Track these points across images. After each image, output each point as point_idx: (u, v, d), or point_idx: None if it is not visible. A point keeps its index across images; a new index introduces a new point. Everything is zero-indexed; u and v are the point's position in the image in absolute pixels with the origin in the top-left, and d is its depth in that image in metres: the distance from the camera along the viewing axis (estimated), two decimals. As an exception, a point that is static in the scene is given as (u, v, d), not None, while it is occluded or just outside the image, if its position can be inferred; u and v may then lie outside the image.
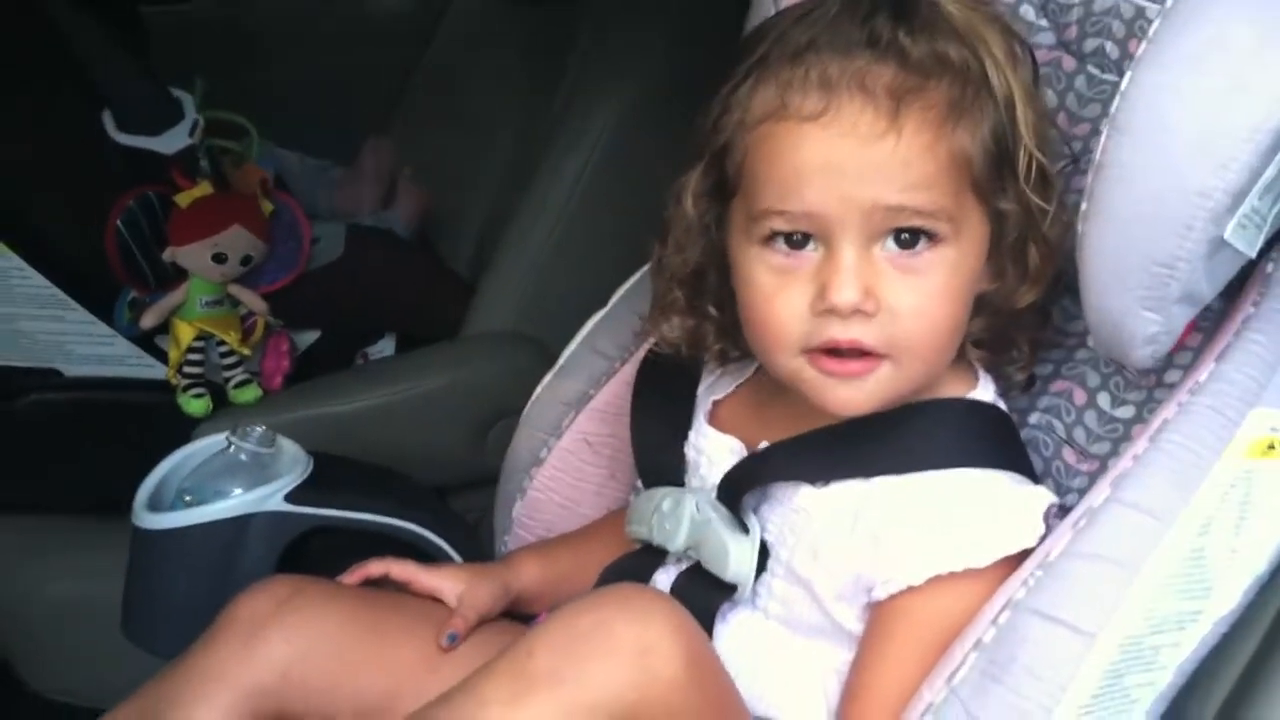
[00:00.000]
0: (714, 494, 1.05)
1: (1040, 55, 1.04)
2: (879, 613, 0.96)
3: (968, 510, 0.95)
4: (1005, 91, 0.93)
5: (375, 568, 1.17)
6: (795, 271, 0.94)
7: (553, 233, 1.75)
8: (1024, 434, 1.06)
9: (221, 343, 1.67)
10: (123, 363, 1.68)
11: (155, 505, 1.26)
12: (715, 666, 0.97)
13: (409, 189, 2.08)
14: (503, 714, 0.87)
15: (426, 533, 1.32)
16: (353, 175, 2.19)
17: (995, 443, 0.99)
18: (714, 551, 1.03)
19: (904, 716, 0.91)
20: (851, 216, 0.90)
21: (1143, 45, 0.86)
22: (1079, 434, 1.05)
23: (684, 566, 1.07)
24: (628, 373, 1.22)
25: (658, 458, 1.12)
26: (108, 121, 1.60)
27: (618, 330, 1.26)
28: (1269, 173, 0.84)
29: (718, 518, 1.03)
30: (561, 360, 1.29)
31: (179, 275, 1.66)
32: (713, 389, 1.12)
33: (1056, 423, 1.07)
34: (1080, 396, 1.06)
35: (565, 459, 1.27)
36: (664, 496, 1.08)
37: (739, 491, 1.03)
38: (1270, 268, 0.97)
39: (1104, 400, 1.05)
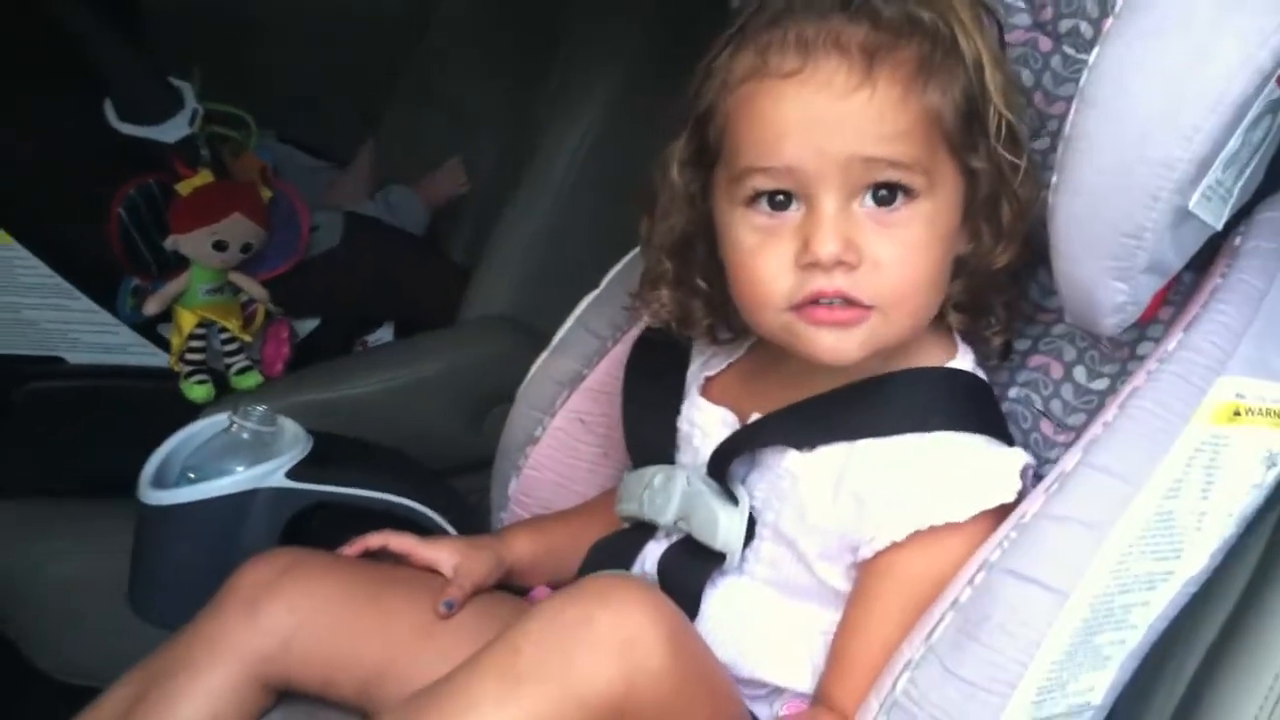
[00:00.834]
0: (704, 469, 1.07)
1: (1017, 36, 1.07)
2: (864, 572, 0.99)
3: (947, 469, 0.97)
4: (974, 54, 0.97)
5: (374, 540, 1.19)
6: (778, 230, 0.96)
7: (547, 218, 1.77)
8: (1004, 407, 1.09)
9: (223, 330, 1.70)
10: (126, 350, 1.71)
11: (160, 482, 1.28)
12: (699, 650, 0.99)
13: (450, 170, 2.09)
14: (494, 713, 0.89)
15: (424, 509, 1.34)
16: (345, 179, 2.22)
17: (973, 407, 1.02)
18: (704, 521, 1.06)
19: (884, 673, 0.93)
20: (830, 170, 0.93)
21: (1110, 21, 0.88)
22: (1056, 407, 1.08)
23: (674, 539, 1.10)
24: (620, 352, 1.24)
25: (648, 435, 1.15)
26: (109, 111, 1.62)
27: (610, 309, 1.28)
28: (1232, 144, 0.86)
29: (707, 490, 1.06)
30: (555, 340, 1.31)
31: (180, 263, 1.69)
32: (705, 366, 1.15)
33: (1034, 396, 1.09)
34: (1057, 370, 1.08)
35: (559, 437, 1.29)
36: (655, 473, 1.11)
37: (728, 460, 1.05)
38: (1238, 240, 0.99)
39: (1080, 374, 1.07)
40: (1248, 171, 0.92)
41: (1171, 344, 0.94)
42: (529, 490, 1.31)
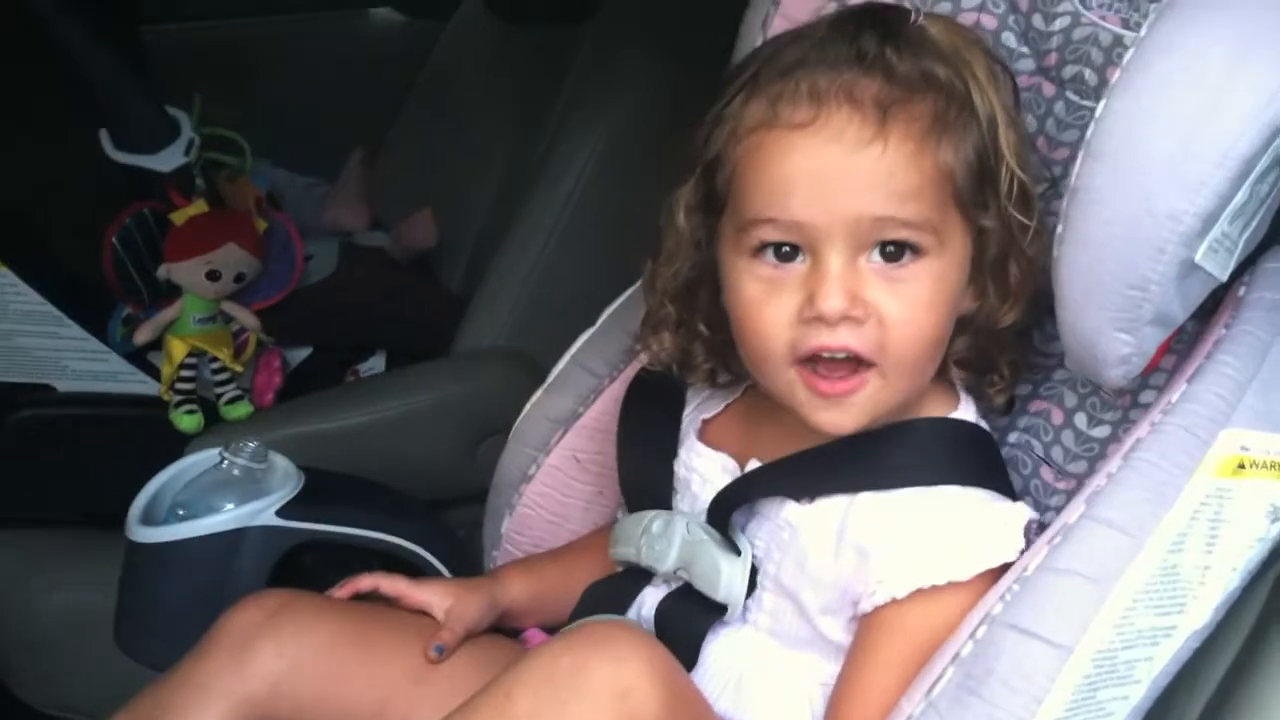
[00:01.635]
0: (704, 516, 1.06)
1: (1021, 81, 1.06)
2: (864, 626, 0.97)
3: (950, 525, 0.96)
4: (988, 111, 0.96)
5: (365, 582, 1.18)
6: (783, 282, 0.95)
7: (544, 251, 1.76)
8: (1003, 453, 1.08)
9: (214, 359, 1.68)
10: (116, 378, 1.70)
11: (149, 519, 1.27)
12: (695, 700, 0.98)
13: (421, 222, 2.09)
14: None
15: (416, 548, 1.34)
16: (338, 192, 2.21)
17: (977, 460, 1.01)
18: (705, 572, 1.04)
19: (884, 728, 0.92)
20: (837, 227, 0.92)
21: (1118, 72, 0.88)
22: (1056, 453, 1.07)
23: (672, 587, 1.08)
24: (616, 390, 1.23)
25: (645, 479, 1.13)
26: (104, 140, 1.62)
27: (607, 348, 1.27)
28: (1239, 197, 0.85)
29: (709, 539, 1.05)
30: (551, 377, 1.30)
31: (172, 291, 1.68)
32: (702, 408, 1.14)
33: (1035, 442, 1.08)
34: (1058, 416, 1.07)
35: (554, 475, 1.28)
36: (653, 518, 1.09)
37: (729, 509, 1.04)
38: (1242, 291, 0.98)
39: (1081, 420, 1.06)
40: (1254, 223, 0.91)
41: (1175, 395, 0.93)
42: (522, 528, 1.30)
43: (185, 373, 1.67)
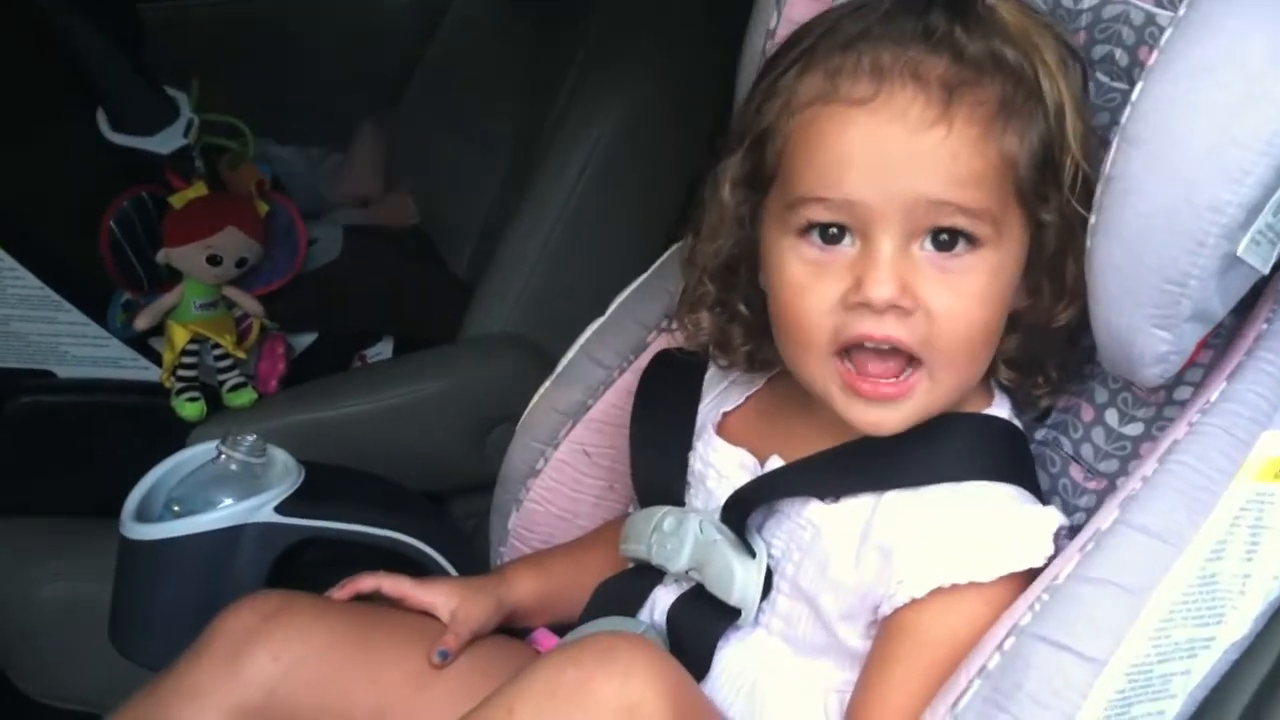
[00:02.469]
0: (718, 514, 1.02)
1: (1049, 62, 1.02)
2: (883, 631, 0.94)
3: (976, 521, 0.93)
4: (1056, 99, 0.92)
5: (366, 582, 1.15)
6: (829, 265, 0.91)
7: (551, 235, 1.73)
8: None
9: (216, 345, 1.66)
10: (117, 365, 1.68)
11: (143, 515, 1.25)
12: (705, 712, 0.96)
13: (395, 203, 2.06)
14: None
15: (420, 544, 1.31)
16: (350, 163, 2.19)
17: (1008, 459, 0.97)
18: (718, 574, 1.01)
19: (907, 745, 0.89)
20: (893, 209, 0.88)
21: (1154, 54, 0.84)
22: (1086, 451, 1.03)
23: (684, 588, 1.05)
24: (627, 382, 1.20)
25: (658, 474, 1.10)
26: (101, 121, 1.60)
27: (616, 338, 1.24)
28: (1284, 187, 0.81)
29: (723, 539, 1.01)
30: (559, 369, 1.27)
31: (173, 277, 1.66)
32: (721, 400, 1.10)
33: (1063, 439, 1.05)
34: (1088, 413, 1.03)
35: (562, 470, 1.25)
36: (665, 515, 1.06)
37: (746, 509, 1.01)
38: (1284, 283, 0.95)
39: (1112, 417, 1.02)
40: (1298, 213, 0.86)
41: (1214, 394, 0.90)
42: (530, 524, 1.27)
43: (187, 359, 1.65)
